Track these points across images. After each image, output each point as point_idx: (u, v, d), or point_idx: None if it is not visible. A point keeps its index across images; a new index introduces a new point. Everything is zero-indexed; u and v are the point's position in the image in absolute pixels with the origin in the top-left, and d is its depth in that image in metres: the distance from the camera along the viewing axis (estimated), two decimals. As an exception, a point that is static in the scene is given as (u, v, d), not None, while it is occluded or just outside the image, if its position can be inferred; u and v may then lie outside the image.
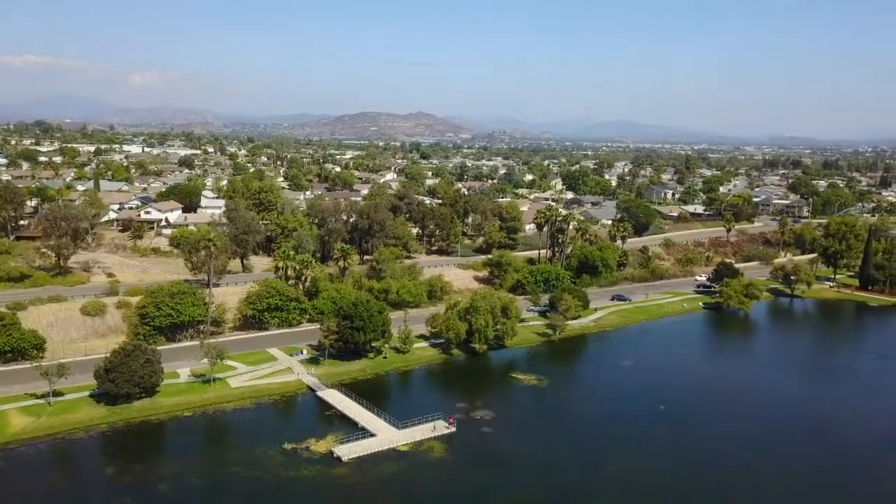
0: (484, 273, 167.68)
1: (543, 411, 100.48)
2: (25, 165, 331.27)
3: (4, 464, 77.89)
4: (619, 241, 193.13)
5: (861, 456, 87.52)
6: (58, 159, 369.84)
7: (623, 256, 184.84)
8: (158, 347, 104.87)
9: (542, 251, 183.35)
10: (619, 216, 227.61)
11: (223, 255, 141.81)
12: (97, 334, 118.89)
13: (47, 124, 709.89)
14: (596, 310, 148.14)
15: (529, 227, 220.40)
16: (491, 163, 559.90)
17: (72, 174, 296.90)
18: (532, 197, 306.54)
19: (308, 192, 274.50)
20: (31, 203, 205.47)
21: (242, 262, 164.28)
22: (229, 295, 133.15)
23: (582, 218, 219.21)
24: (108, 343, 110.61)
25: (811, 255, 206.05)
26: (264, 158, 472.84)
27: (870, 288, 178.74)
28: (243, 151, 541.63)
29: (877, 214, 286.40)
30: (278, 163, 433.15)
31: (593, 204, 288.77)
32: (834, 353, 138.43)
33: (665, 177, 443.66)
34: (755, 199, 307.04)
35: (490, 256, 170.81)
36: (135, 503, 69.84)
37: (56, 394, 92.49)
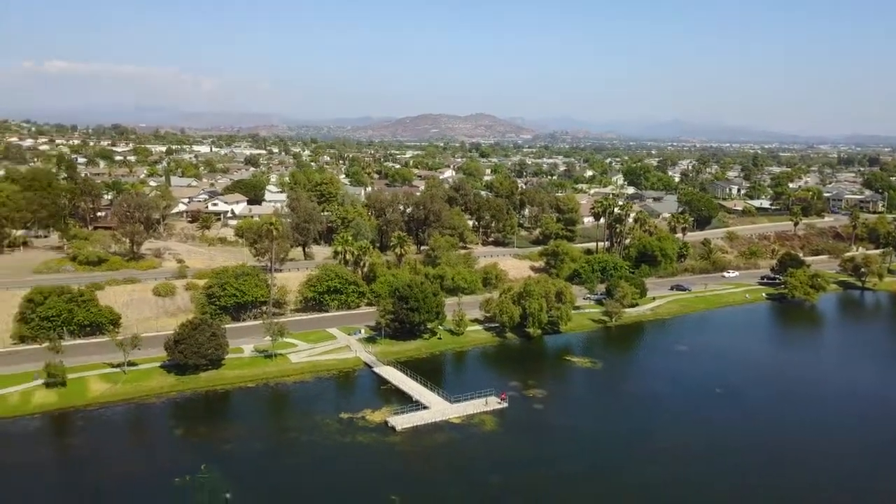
0: (540, 263, 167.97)
1: (596, 391, 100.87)
2: (102, 164, 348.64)
3: (84, 423, 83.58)
4: (679, 233, 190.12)
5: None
6: (132, 158, 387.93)
7: (683, 248, 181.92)
8: (224, 326, 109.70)
9: (599, 243, 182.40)
10: (680, 209, 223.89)
11: (285, 242, 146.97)
12: (167, 313, 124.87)
13: (123, 128, 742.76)
14: (654, 298, 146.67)
15: (587, 220, 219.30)
16: (551, 160, 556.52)
17: (144, 171, 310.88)
18: (591, 192, 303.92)
19: (368, 188, 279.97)
20: (108, 196, 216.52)
21: (304, 250, 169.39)
22: (291, 279, 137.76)
23: (641, 209, 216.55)
24: (178, 321, 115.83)
25: (884, 250, 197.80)
26: (326, 158, 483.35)
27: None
28: (307, 152, 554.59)
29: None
30: (340, 162, 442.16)
31: (655, 199, 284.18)
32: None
33: (731, 174, 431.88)
34: (826, 195, 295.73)
35: (546, 247, 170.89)
36: (202, 460, 73.57)
37: (130, 364, 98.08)
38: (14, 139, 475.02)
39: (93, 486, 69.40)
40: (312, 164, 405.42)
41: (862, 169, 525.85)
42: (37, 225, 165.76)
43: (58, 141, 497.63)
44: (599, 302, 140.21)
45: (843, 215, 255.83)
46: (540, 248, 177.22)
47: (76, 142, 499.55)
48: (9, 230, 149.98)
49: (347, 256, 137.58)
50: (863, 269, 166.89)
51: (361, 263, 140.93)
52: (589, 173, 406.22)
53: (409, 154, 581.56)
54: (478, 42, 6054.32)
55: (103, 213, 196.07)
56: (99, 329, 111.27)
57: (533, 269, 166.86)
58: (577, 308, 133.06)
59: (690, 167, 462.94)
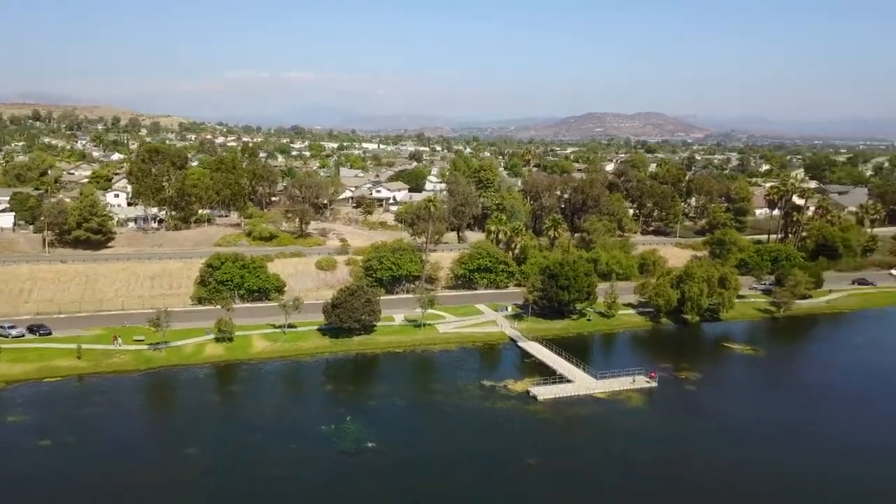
0: (703, 253, 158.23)
1: (754, 377, 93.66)
2: (280, 157, 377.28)
3: (246, 374, 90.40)
4: (866, 225, 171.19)
5: None
6: (307, 153, 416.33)
7: (871, 241, 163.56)
8: (378, 297, 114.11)
9: (772, 235, 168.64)
10: (870, 202, 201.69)
11: (441, 224, 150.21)
12: (328, 286, 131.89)
13: (300, 128, 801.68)
14: (831, 291, 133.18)
15: (760, 212, 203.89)
16: (723, 156, 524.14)
17: (317, 164, 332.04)
18: (767, 186, 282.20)
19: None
20: (283, 183, 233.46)
21: (458, 234, 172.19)
22: (444, 259, 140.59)
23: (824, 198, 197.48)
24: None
25: None
26: (487, 153, 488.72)
27: None
28: (468, 149, 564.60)
29: None
30: (500, 157, 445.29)
31: (840, 193, 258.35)
32: None
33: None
34: None
35: (711, 235, 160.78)
36: (347, 412, 76.94)
37: (290, 326, 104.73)
38: (208, 136, 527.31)
39: (248, 422, 74.80)
40: (473, 159, 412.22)
41: None
42: (220, 205, 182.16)
43: (244, 138, 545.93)
44: (767, 292, 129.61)
45: None
46: (705, 237, 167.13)
47: (259, 139, 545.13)
48: (197, 208, 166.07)
49: (500, 236, 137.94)
50: None
51: (513, 245, 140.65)
52: (765, 167, 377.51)
53: (569, 150, 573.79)
54: (647, 36, 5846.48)
55: (278, 198, 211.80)
56: (266, 295, 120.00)
57: (695, 258, 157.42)
58: (742, 297, 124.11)
59: (887, 162, 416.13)
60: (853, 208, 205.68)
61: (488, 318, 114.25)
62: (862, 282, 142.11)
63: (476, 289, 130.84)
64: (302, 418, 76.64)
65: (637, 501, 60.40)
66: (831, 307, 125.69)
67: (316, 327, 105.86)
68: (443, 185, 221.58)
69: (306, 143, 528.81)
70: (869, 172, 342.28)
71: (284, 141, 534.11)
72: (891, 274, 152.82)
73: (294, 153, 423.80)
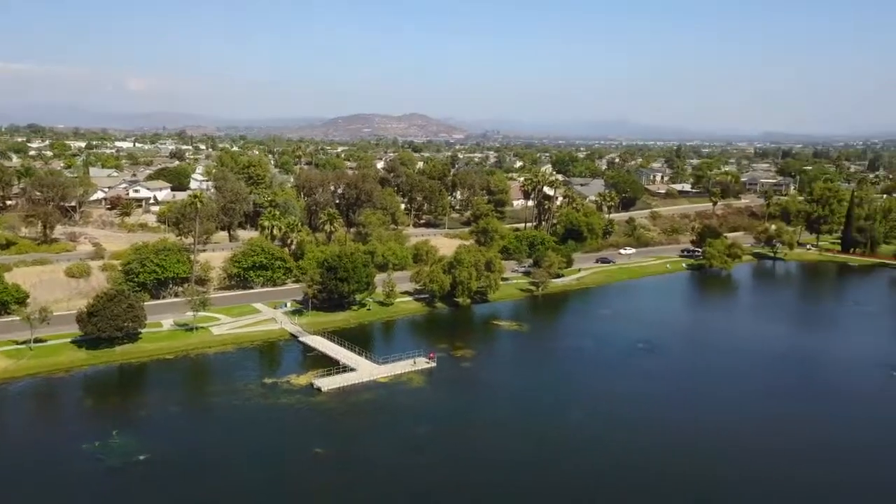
0: (470, 241, 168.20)
1: (522, 349, 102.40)
2: (15, 157, 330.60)
3: (-15, 397, 78.65)
4: (605, 211, 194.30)
5: (818, 374, 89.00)
6: (48, 153, 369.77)
7: (609, 224, 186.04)
8: (142, 303, 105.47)
9: (528, 224, 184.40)
10: (606, 190, 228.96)
11: (210, 223, 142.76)
12: (81, 295, 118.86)
13: (38, 127, 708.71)
14: (580, 270, 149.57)
15: (517, 203, 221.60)
16: (482, 155, 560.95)
17: (61, 164, 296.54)
18: (521, 179, 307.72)
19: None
20: (19, 185, 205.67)
21: (230, 232, 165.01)
22: (215, 259, 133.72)
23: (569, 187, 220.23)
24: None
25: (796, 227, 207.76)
26: (255, 152, 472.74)
27: (852, 250, 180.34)
28: (235, 147, 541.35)
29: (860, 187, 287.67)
30: (270, 155, 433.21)
31: (581, 185, 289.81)
32: (813, 303, 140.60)
33: (655, 165, 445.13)
34: (743, 180, 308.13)
35: (476, 225, 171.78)
36: (114, 426, 70.35)
37: (38, 341, 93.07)
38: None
39: (-7, 453, 65.44)
40: (242, 156, 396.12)
41: (776, 160, 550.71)
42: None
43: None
44: (527, 274, 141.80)
45: (760, 198, 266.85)
46: (471, 227, 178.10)
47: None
48: None
49: (275, 232, 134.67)
50: (775, 241, 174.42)
51: (290, 241, 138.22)
52: (519, 164, 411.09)
53: (340, 149, 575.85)
54: (410, 41, 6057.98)
55: (14, 202, 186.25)
56: (5, 308, 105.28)
57: (463, 247, 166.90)
58: (506, 279, 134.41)
59: (618, 157, 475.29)
60: (593, 197, 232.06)
61: (267, 315, 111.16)
62: (604, 260, 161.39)
63: (252, 288, 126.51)
64: (60, 439, 68.53)
65: (421, 474, 62.86)
66: (581, 283, 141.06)
67: (70, 339, 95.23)
68: (210, 183, 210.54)
69: (47, 141, 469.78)
70: (604, 167, 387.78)
71: (20, 140, 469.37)
72: (620, 253, 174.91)
73: (32, 153, 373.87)
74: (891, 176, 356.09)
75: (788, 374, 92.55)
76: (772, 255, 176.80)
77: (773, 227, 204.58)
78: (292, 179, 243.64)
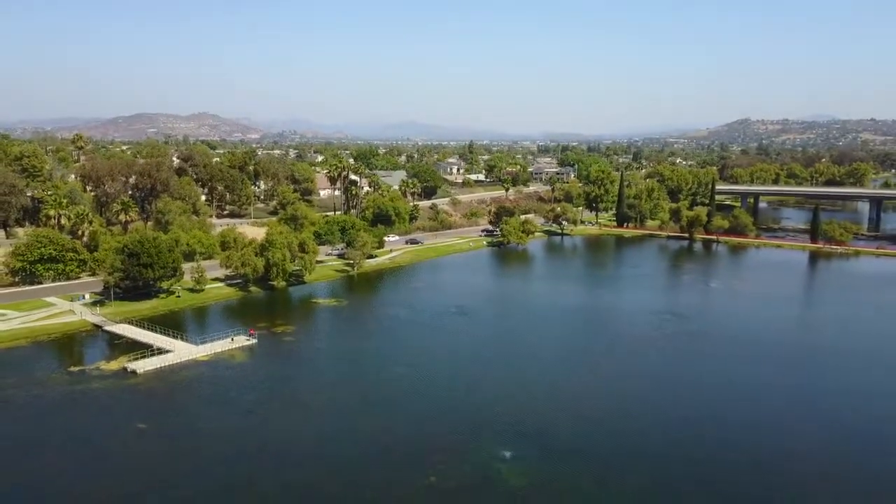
0: (280, 229, 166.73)
1: (342, 321, 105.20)
2: None
3: None
4: (409, 198, 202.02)
5: (608, 320, 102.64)
6: None
7: (414, 210, 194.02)
8: None
9: (337, 212, 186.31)
10: (409, 179, 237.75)
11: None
12: None
13: None
14: (391, 251, 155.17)
15: (324, 192, 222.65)
16: (281, 151, 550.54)
17: None
18: (324, 171, 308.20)
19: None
20: None
21: (6, 229, 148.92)
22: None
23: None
24: None
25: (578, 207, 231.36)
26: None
27: (625, 225, 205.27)
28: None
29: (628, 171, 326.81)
30: (45, 156, 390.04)
31: (385, 176, 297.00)
32: (598, 269, 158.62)
33: (451, 160, 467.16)
34: (530, 170, 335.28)
35: (284, 212, 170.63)
36: None
37: None
38: None
39: None
40: (13, 147, 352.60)
41: (557, 155, 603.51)
42: None
43: None
44: (341, 256, 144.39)
45: (546, 186, 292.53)
46: (279, 215, 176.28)
47: None
48: None
49: (63, 222, 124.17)
50: (562, 219, 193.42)
51: (81, 232, 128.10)
52: (320, 158, 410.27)
53: (125, 147, 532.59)
54: (200, 36, 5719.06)
55: None
56: None
57: (276, 229, 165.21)
58: (321, 262, 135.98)
59: (416, 153, 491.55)
60: (397, 186, 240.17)
61: (62, 308, 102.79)
62: (412, 241, 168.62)
63: (42, 283, 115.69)
64: None
65: (252, 437, 63.25)
66: (393, 263, 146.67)
67: None
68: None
69: None
70: (403, 160, 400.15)
71: None
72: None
73: None
74: (650, 165, 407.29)
75: (585, 321, 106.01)
76: (559, 231, 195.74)
77: (559, 207, 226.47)
78: (73, 175, 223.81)
